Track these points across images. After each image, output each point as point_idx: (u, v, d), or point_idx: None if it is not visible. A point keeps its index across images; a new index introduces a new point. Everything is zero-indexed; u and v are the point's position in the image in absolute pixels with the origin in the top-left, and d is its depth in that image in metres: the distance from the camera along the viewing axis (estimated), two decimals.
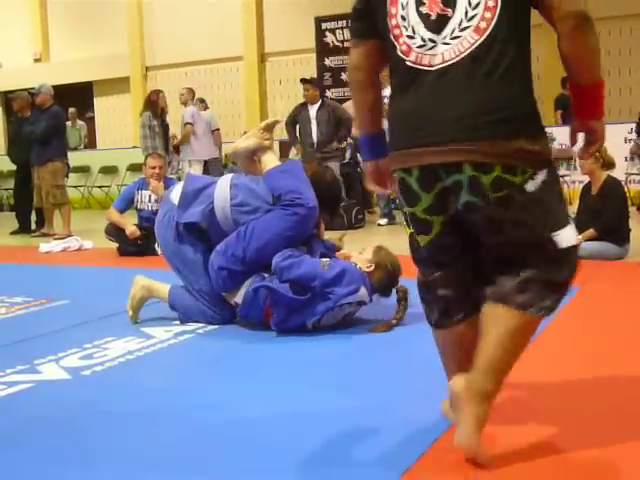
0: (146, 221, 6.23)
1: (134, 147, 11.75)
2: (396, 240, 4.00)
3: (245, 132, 4.35)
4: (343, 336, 3.27)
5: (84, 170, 12.77)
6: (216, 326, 3.50)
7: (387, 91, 2.01)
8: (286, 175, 3.41)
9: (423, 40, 1.82)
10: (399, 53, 1.87)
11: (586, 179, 5.51)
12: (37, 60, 15.09)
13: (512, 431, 2.05)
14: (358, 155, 9.15)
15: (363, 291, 3.29)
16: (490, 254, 1.89)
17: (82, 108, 14.19)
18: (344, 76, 11.85)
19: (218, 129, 9.73)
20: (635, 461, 1.89)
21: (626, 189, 5.96)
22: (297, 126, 8.32)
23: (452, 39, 1.79)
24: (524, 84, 1.82)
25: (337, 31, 11.92)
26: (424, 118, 1.82)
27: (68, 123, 11.59)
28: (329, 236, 3.85)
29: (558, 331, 2.92)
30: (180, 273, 3.63)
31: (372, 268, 3.38)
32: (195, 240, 3.55)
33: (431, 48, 1.81)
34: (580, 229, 4.76)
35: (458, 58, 1.78)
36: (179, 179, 7.21)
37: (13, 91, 9.45)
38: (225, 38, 12.93)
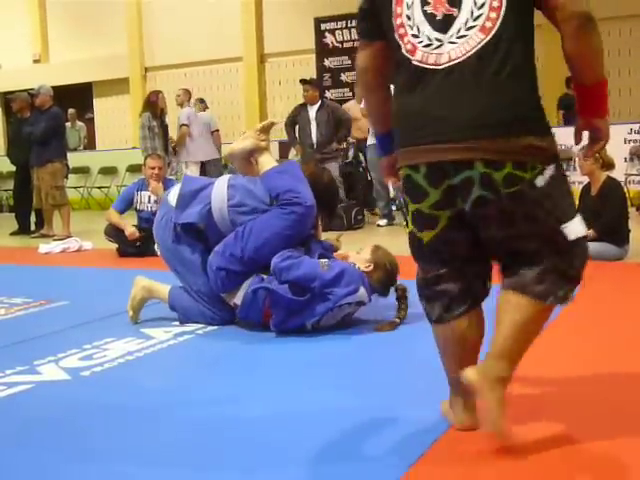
0: (145, 222, 6.22)
1: (133, 148, 11.74)
2: (396, 241, 4.01)
3: (244, 133, 4.35)
4: (343, 336, 3.27)
5: (83, 171, 12.76)
6: (215, 327, 3.50)
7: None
8: (284, 175, 3.42)
9: (429, 39, 1.84)
10: (404, 52, 1.88)
11: (585, 180, 5.51)
12: (36, 61, 15.07)
13: (512, 430, 2.05)
14: (360, 155, 9.16)
15: (362, 291, 3.30)
16: (502, 248, 1.92)
17: (81, 109, 14.18)
18: (344, 77, 11.87)
19: (218, 130, 9.72)
20: (635, 461, 1.89)
21: (626, 190, 5.96)
22: (296, 127, 8.31)
23: (458, 38, 1.81)
24: (531, 82, 1.85)
25: (337, 32, 11.91)
26: (432, 116, 1.83)
27: (67, 124, 11.58)
28: (326, 237, 3.85)
29: (558, 331, 2.91)
30: (178, 274, 3.64)
31: (371, 268, 3.38)
32: (193, 241, 3.55)
33: (437, 47, 1.83)
34: None
35: (464, 57, 1.80)
36: (178, 180, 7.20)
37: (12, 92, 9.44)
38: (224, 39, 12.92)
